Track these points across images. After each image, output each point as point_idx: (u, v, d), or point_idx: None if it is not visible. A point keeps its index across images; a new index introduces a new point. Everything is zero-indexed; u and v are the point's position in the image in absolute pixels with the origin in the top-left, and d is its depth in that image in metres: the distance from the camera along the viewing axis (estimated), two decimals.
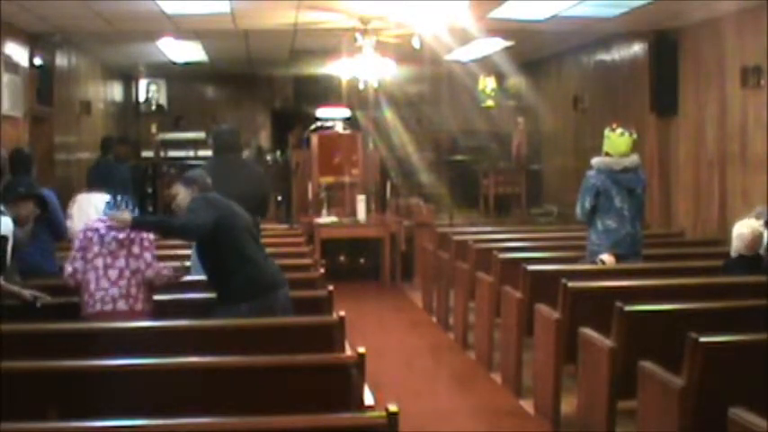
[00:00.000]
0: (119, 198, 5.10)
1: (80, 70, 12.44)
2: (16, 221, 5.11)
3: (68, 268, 5.02)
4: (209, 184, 5.04)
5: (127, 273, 4.94)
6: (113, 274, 4.92)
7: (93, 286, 4.91)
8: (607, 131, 6.57)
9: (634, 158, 6.56)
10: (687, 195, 10.01)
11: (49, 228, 5.92)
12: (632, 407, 4.47)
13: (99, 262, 4.94)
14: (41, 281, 5.42)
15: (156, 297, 5.12)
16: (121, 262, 4.95)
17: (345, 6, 9.24)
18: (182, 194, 4.97)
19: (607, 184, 6.45)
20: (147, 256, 5.02)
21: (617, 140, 6.50)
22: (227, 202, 4.97)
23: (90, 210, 5.81)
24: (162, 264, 5.17)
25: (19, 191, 5.42)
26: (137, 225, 4.86)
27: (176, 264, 5.32)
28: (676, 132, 10.23)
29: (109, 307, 4.87)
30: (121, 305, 4.89)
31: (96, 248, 4.97)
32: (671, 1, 8.64)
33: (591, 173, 6.56)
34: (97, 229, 5.02)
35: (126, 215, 4.85)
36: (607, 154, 6.51)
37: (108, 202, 5.13)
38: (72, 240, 5.50)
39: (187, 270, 5.30)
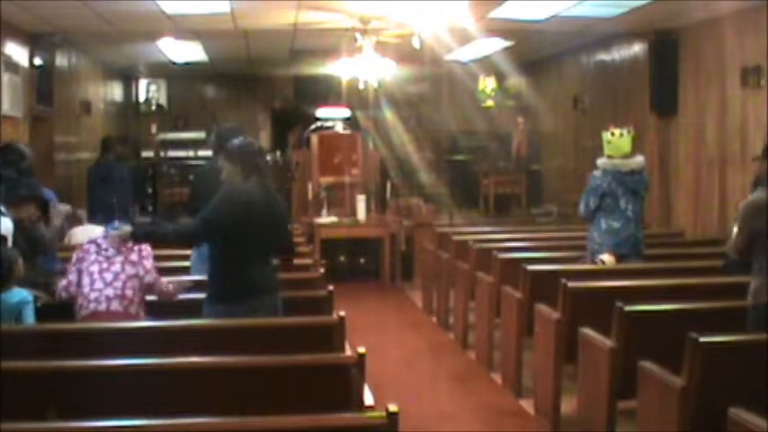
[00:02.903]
0: (116, 223, 5.02)
1: (80, 70, 12.43)
2: (17, 223, 5.10)
3: (63, 282, 4.99)
4: (254, 159, 4.69)
5: (123, 276, 4.89)
6: (109, 276, 4.88)
7: (87, 289, 4.86)
8: (606, 135, 6.57)
9: (640, 160, 6.57)
10: (687, 195, 10.00)
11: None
12: (632, 407, 4.47)
13: (95, 267, 4.91)
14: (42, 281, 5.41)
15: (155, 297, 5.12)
16: (117, 266, 4.91)
17: (345, 6, 9.24)
18: (227, 169, 4.70)
19: (613, 186, 6.47)
20: (146, 263, 5.00)
21: (618, 142, 6.50)
22: (249, 201, 4.62)
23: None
24: (164, 279, 5.13)
25: (20, 192, 5.40)
26: (138, 237, 4.78)
27: (178, 279, 5.31)
28: (676, 132, 10.23)
29: (103, 307, 4.81)
30: (116, 305, 4.83)
31: (93, 257, 4.94)
32: (671, 1, 8.63)
33: (597, 173, 6.57)
34: (96, 241, 5.02)
35: (126, 229, 4.80)
36: (610, 156, 6.52)
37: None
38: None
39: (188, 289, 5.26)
